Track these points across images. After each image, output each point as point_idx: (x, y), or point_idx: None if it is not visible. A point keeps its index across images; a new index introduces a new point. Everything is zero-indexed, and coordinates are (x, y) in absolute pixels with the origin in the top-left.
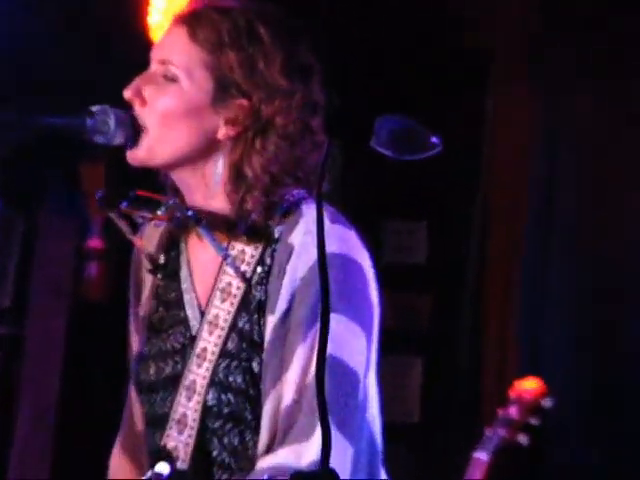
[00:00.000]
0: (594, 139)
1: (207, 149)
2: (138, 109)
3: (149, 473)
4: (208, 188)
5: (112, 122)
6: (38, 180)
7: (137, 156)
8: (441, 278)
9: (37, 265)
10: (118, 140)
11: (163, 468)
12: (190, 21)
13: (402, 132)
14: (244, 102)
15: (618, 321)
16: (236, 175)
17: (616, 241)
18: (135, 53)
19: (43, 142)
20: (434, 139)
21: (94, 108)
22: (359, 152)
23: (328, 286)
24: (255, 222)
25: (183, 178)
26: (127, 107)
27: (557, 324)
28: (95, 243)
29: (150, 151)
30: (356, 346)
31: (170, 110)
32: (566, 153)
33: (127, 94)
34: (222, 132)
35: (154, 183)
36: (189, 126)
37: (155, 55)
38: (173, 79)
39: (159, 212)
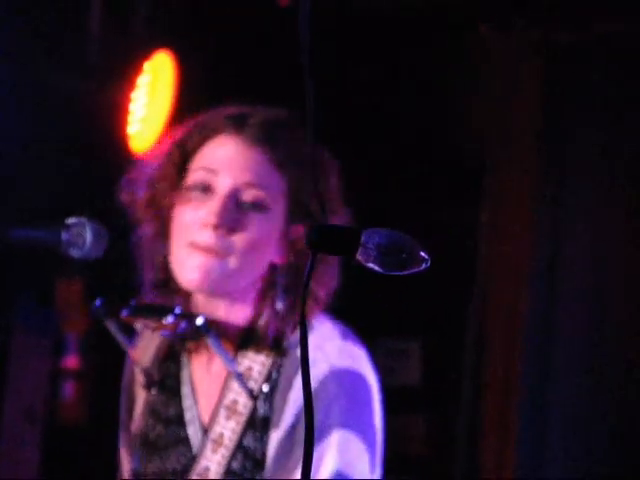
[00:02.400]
0: (596, 250)
1: (262, 275)
2: (221, 235)
3: None
4: (239, 310)
5: (88, 235)
6: (9, 296)
7: (204, 282)
8: (435, 400)
9: (9, 386)
10: (95, 253)
11: None
12: (269, 142)
13: (389, 246)
14: (302, 227)
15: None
16: (288, 301)
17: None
18: (114, 163)
19: (15, 255)
20: (423, 254)
21: (70, 220)
22: (346, 266)
23: (312, 404)
24: (278, 335)
25: (218, 303)
26: (104, 220)
27: (559, 456)
28: (71, 362)
29: (225, 281)
30: (361, 467)
31: (257, 241)
32: (569, 264)
33: (214, 219)
34: (282, 257)
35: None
36: (268, 256)
37: (228, 172)
38: (261, 207)
39: (165, 321)
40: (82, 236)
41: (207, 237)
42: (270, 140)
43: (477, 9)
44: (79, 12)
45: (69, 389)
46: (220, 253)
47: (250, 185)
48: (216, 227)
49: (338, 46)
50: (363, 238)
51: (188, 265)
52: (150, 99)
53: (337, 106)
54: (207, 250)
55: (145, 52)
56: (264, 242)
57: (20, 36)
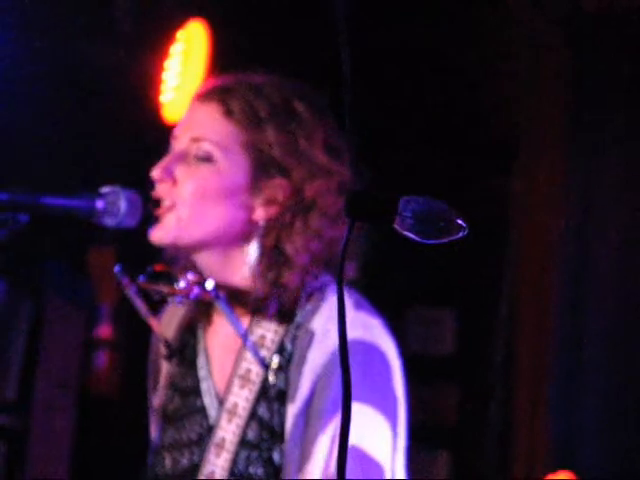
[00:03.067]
0: (626, 222)
1: (240, 231)
2: (167, 189)
3: None
4: (234, 267)
5: (123, 203)
6: (43, 264)
7: (163, 236)
8: (469, 369)
9: (44, 355)
10: (129, 222)
11: None
12: (222, 97)
13: (427, 214)
14: (283, 181)
15: None
16: (276, 256)
17: None
18: (146, 131)
19: (49, 223)
20: (460, 221)
21: (104, 189)
22: (381, 235)
23: (349, 375)
24: (285, 302)
25: (208, 260)
26: (138, 188)
27: (591, 419)
28: (104, 332)
29: (179, 232)
30: (380, 436)
31: (204, 190)
32: (597, 242)
33: (156, 173)
34: (259, 213)
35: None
36: (223, 207)
37: (183, 133)
38: (207, 158)
39: (177, 286)
40: (116, 205)
41: (156, 191)
42: (227, 95)
43: None
44: None
45: (102, 358)
46: (169, 205)
47: (196, 139)
48: (159, 180)
49: (371, 19)
50: (400, 206)
51: (152, 222)
52: (183, 68)
53: (371, 77)
54: (160, 205)
55: (178, 21)
56: (215, 192)
57: (52, 7)
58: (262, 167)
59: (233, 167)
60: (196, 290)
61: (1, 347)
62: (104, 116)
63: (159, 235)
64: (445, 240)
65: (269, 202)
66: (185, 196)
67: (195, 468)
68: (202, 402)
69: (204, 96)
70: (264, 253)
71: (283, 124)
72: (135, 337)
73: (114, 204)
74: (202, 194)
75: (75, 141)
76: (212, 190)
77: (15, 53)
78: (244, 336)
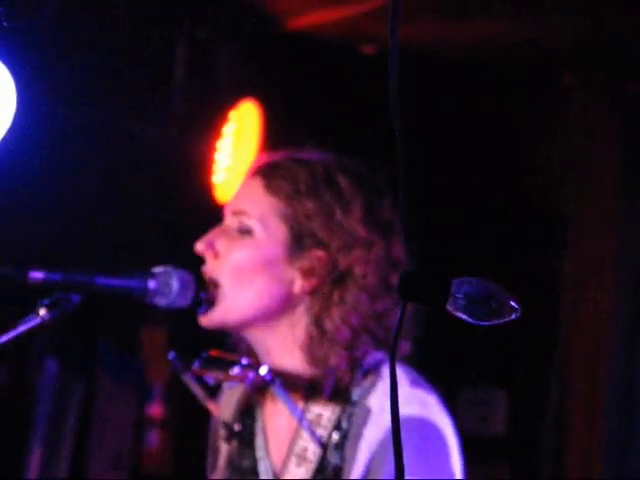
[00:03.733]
0: None
1: (283, 304)
2: (210, 263)
3: None
4: (284, 347)
5: (175, 283)
6: (95, 343)
7: (212, 319)
8: (520, 449)
9: (95, 434)
10: (181, 302)
11: None
12: (266, 172)
13: (480, 296)
14: (321, 253)
15: None
16: (317, 331)
17: None
18: (199, 214)
19: (102, 303)
20: (513, 303)
21: (156, 269)
22: (435, 316)
23: (402, 454)
24: (338, 382)
25: (257, 337)
26: (190, 269)
27: None
28: (156, 411)
29: (227, 312)
30: None
31: (244, 263)
32: None
33: (199, 247)
34: (298, 285)
35: (224, 346)
36: (264, 280)
37: (229, 207)
38: (248, 231)
39: (232, 372)
40: (168, 285)
41: (204, 266)
42: (271, 170)
43: (558, 58)
44: (165, 61)
45: (154, 438)
46: (212, 279)
47: (238, 212)
48: (202, 253)
49: (421, 95)
50: (453, 287)
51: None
52: (236, 148)
53: (421, 155)
54: (206, 280)
55: (231, 101)
56: (257, 266)
57: (107, 86)
58: (300, 238)
59: (272, 239)
60: (251, 375)
61: (53, 427)
62: (157, 196)
63: (208, 318)
64: (498, 322)
65: (307, 274)
66: (226, 270)
67: None
68: None
69: (252, 172)
70: (306, 329)
71: (322, 195)
72: (187, 416)
73: (166, 284)
74: (244, 269)
75: (127, 220)
76: (253, 263)
77: (69, 128)
78: (300, 417)
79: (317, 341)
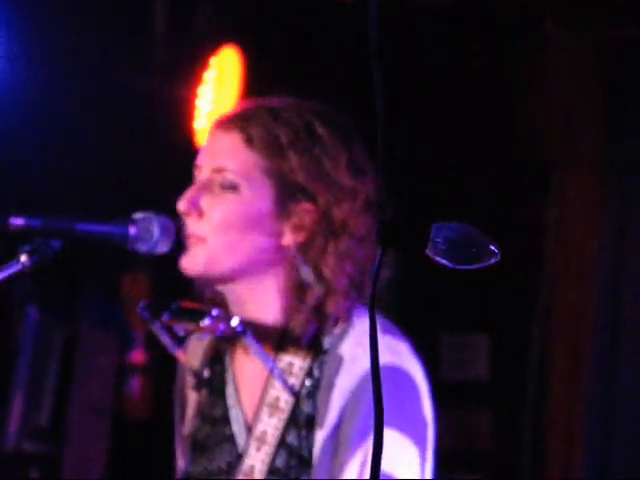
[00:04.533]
0: None
1: (271, 258)
2: (194, 221)
3: None
4: (263, 298)
5: (156, 230)
6: (76, 289)
7: (194, 267)
8: (503, 394)
9: (77, 381)
10: (162, 249)
11: None
12: (242, 124)
13: (459, 240)
14: (309, 206)
15: None
16: (316, 280)
17: None
18: (181, 158)
19: (82, 249)
20: (493, 247)
21: (137, 215)
22: (413, 260)
23: (382, 401)
24: (323, 330)
25: (237, 290)
26: (171, 214)
27: (625, 452)
28: (137, 357)
29: (209, 263)
30: (409, 462)
31: (231, 220)
32: (635, 265)
33: (182, 206)
34: (288, 239)
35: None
36: (251, 236)
37: (206, 162)
38: (231, 187)
39: (202, 324)
40: (149, 231)
41: (186, 225)
42: (247, 122)
43: (542, 6)
44: (145, 12)
45: (135, 384)
46: (198, 237)
47: (219, 169)
48: (185, 214)
49: (403, 43)
50: (432, 232)
51: (182, 255)
52: (216, 94)
53: (403, 102)
54: (188, 237)
55: (211, 48)
56: (242, 221)
57: (90, 37)
58: (287, 193)
59: (258, 195)
60: (222, 327)
61: (35, 374)
62: (138, 142)
63: (190, 266)
64: (478, 266)
65: (297, 227)
66: (213, 227)
67: None
68: (231, 430)
69: (225, 124)
70: (294, 282)
71: (305, 148)
72: (168, 362)
73: (147, 230)
74: (229, 224)
75: (109, 166)
76: (239, 219)
77: (55, 80)
78: (272, 366)
79: (311, 292)
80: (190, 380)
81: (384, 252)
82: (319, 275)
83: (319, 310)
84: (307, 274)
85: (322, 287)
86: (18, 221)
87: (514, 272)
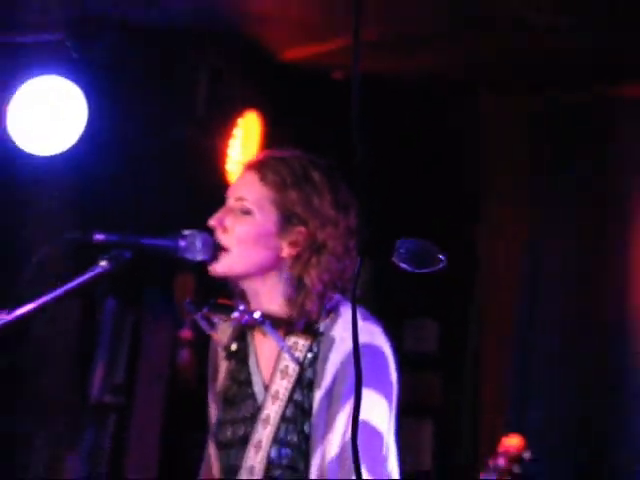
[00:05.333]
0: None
1: (273, 264)
2: (220, 235)
3: None
4: (271, 295)
5: (199, 243)
6: (142, 286)
7: (218, 270)
8: (448, 362)
9: (143, 352)
10: (202, 257)
11: None
12: (259, 167)
13: (417, 250)
14: (302, 229)
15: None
16: (297, 284)
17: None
18: (217, 193)
19: (147, 257)
20: (441, 256)
21: (185, 232)
22: (386, 267)
23: (361, 370)
24: (309, 321)
25: (251, 286)
26: (210, 232)
27: (537, 399)
28: (185, 334)
29: (230, 266)
30: (381, 413)
31: (246, 236)
32: (548, 261)
33: (212, 223)
34: (285, 252)
35: (225, 287)
36: (260, 247)
37: (232, 193)
38: (248, 212)
39: (234, 315)
40: (194, 244)
41: (215, 236)
42: (263, 166)
43: (476, 79)
44: (191, 84)
45: (184, 354)
46: (223, 247)
47: (240, 198)
48: (214, 228)
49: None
50: (397, 245)
51: (212, 262)
52: (243, 145)
53: (374, 157)
54: (216, 246)
55: (239, 112)
56: (255, 238)
57: (153, 104)
58: (287, 219)
59: (266, 219)
60: (246, 317)
61: (111, 347)
62: (186, 179)
63: (217, 269)
64: (430, 270)
65: (292, 244)
66: (234, 240)
67: (248, 437)
68: (253, 390)
69: (248, 167)
70: (290, 283)
71: (301, 187)
72: (208, 339)
73: (192, 243)
74: (245, 239)
75: (166, 196)
76: (252, 236)
77: (128, 131)
78: (282, 344)
79: (296, 292)
80: (221, 352)
81: (362, 260)
82: (301, 282)
83: (303, 308)
84: (294, 280)
85: (302, 291)
86: (100, 236)
87: (456, 275)
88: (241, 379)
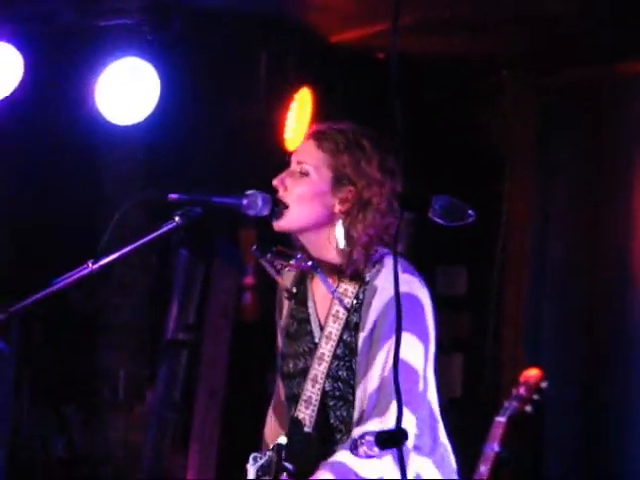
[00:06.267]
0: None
1: (327, 219)
2: (282, 193)
3: (274, 444)
4: (325, 245)
5: (260, 201)
6: (211, 238)
7: (281, 225)
8: (475, 305)
9: (212, 295)
10: (263, 213)
11: (283, 440)
12: (317, 136)
13: (450, 207)
14: (352, 188)
15: (596, 308)
16: (347, 237)
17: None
18: (276, 157)
19: (215, 213)
20: (470, 212)
21: (248, 192)
22: (423, 221)
23: (401, 314)
24: (357, 269)
25: (308, 238)
26: (271, 192)
27: (551, 333)
28: (249, 280)
29: (290, 222)
30: (418, 353)
31: (303, 194)
32: (555, 222)
33: (275, 183)
34: (337, 208)
35: (287, 241)
36: (315, 204)
37: (294, 158)
38: (306, 173)
39: (291, 262)
40: (255, 202)
41: (277, 194)
42: (320, 135)
43: (498, 63)
44: (254, 65)
45: (247, 297)
46: (284, 204)
47: (300, 162)
48: (276, 187)
49: (411, 88)
50: (432, 202)
51: (275, 218)
52: (298, 117)
53: (410, 124)
54: (278, 202)
55: (294, 88)
56: (311, 195)
57: (219, 84)
58: (338, 179)
59: (321, 179)
60: (303, 264)
61: (185, 291)
62: (251, 148)
63: (279, 224)
64: (461, 223)
65: (342, 201)
66: (293, 198)
67: (306, 370)
68: (310, 327)
69: (308, 136)
70: (342, 236)
71: (352, 152)
72: (269, 284)
73: (254, 201)
74: (303, 197)
75: (233, 162)
76: (308, 194)
77: (199, 109)
78: (333, 291)
79: (347, 243)
80: (285, 294)
81: (402, 213)
82: (349, 234)
83: (351, 257)
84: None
85: (350, 243)
86: (174, 196)
87: (483, 226)
88: (300, 317)
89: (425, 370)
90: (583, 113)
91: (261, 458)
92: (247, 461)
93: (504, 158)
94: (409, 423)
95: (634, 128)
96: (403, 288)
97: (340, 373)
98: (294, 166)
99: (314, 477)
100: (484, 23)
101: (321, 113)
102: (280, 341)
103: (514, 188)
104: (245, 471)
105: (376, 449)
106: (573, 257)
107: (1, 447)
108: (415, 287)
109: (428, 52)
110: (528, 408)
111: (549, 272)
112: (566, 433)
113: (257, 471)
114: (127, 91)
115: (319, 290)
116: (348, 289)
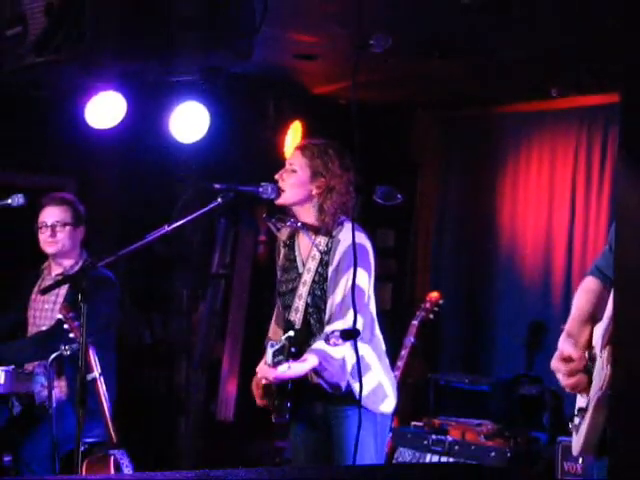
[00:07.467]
0: (461, 205)
1: (308, 199)
2: (280, 183)
3: (284, 336)
4: (307, 214)
5: (269, 189)
6: (239, 212)
7: (280, 201)
8: (400, 252)
9: (239, 246)
10: (272, 197)
11: (290, 333)
12: (301, 148)
13: (386, 192)
14: (323, 180)
15: (475, 256)
16: (320, 209)
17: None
18: (279, 163)
19: (242, 196)
20: (399, 196)
21: (262, 183)
22: (369, 200)
23: (356, 256)
24: (327, 228)
25: (297, 210)
26: (274, 182)
27: (448, 272)
28: (262, 237)
29: (285, 200)
30: (365, 280)
31: (293, 183)
32: (449, 206)
33: (276, 177)
34: (314, 192)
35: (283, 210)
36: (301, 189)
37: (288, 161)
38: (294, 171)
39: (287, 224)
40: (267, 189)
41: (278, 183)
42: (304, 147)
43: (413, 101)
44: (263, 110)
45: (261, 248)
46: (281, 189)
47: (291, 164)
48: (277, 179)
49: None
50: (375, 189)
51: (276, 197)
52: (292, 139)
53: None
54: (279, 189)
55: (290, 120)
56: (298, 184)
57: (244, 119)
58: (315, 175)
59: (304, 174)
60: (294, 224)
61: (224, 243)
62: (263, 157)
63: (279, 201)
64: (392, 203)
65: (318, 187)
66: (287, 185)
67: (294, 290)
68: (296, 265)
69: (296, 148)
70: (317, 208)
71: (323, 158)
72: (273, 240)
73: (266, 189)
74: (293, 185)
75: (252, 165)
76: (296, 183)
77: (230, 138)
78: (313, 242)
79: (321, 213)
80: (281, 244)
81: (357, 197)
82: (321, 207)
83: (324, 221)
84: (319, 207)
85: (322, 212)
86: (217, 185)
87: (405, 206)
88: (291, 258)
89: (369, 290)
90: (472, 138)
91: (275, 344)
92: (264, 347)
93: (419, 165)
94: (359, 323)
95: (501, 150)
96: (357, 240)
97: (316, 292)
98: (287, 166)
99: (303, 357)
100: (406, 81)
101: (306, 136)
102: (278, 273)
103: (425, 184)
104: (263, 352)
105: (341, 340)
106: (461, 222)
107: (113, 337)
108: (363, 239)
109: (374, 99)
110: (431, 316)
111: (447, 233)
112: (455, 331)
113: (274, 352)
114: (188, 122)
115: (303, 242)
116: (322, 241)
